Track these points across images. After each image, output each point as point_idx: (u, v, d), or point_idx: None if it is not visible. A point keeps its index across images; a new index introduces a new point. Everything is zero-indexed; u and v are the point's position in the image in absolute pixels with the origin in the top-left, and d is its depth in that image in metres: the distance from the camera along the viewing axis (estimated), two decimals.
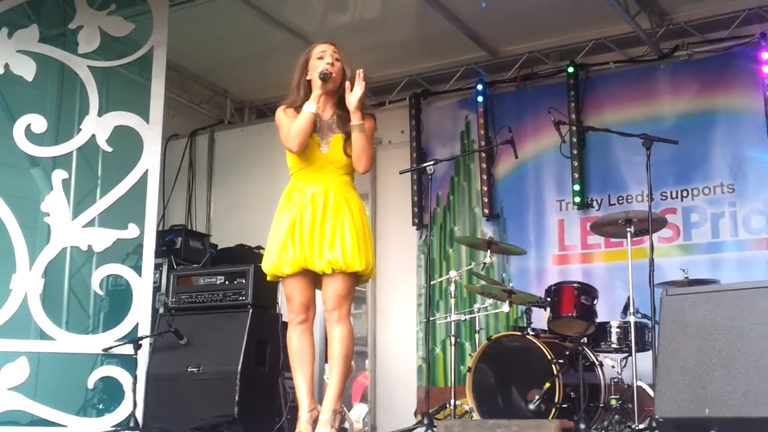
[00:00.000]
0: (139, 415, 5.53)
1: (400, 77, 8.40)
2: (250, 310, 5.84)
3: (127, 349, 5.65)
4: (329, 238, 4.36)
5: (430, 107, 8.36)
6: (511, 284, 6.37)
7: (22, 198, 6.34)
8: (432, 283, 6.79)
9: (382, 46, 7.90)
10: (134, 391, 5.48)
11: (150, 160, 6.16)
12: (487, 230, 7.76)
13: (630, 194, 7.28)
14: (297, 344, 4.49)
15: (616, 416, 5.36)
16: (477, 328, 6.45)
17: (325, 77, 4.44)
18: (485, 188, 7.81)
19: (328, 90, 4.52)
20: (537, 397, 5.33)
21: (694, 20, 7.27)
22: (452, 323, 6.18)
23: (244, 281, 5.98)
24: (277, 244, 4.42)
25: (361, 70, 4.44)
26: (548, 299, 6.03)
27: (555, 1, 7.16)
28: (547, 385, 5.34)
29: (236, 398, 5.49)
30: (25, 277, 5.83)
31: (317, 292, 4.55)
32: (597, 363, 5.78)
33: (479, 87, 7.96)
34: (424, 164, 5.74)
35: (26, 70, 6.22)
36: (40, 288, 5.85)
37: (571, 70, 7.57)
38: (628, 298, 5.43)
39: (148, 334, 5.82)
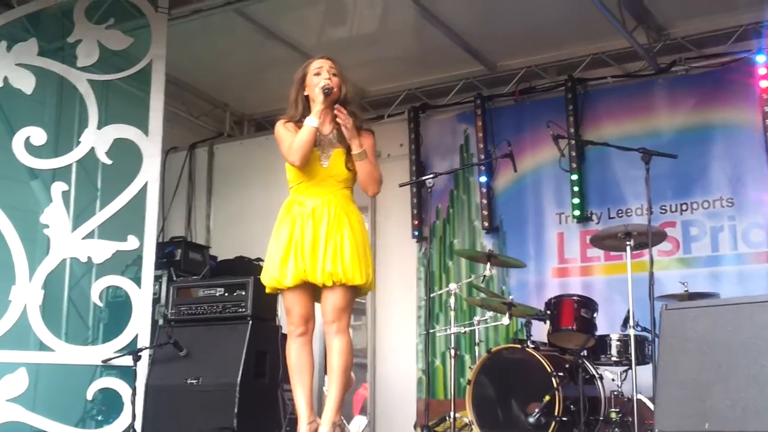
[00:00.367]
0: (138, 427, 5.52)
1: (398, 91, 8.44)
2: (250, 322, 5.85)
3: (127, 360, 5.64)
4: (332, 252, 4.36)
5: (429, 121, 8.39)
6: (510, 297, 6.37)
7: (22, 210, 6.34)
8: (432, 295, 6.80)
9: (381, 60, 7.94)
10: (133, 402, 5.48)
11: (149, 173, 6.16)
12: (486, 243, 7.77)
13: (629, 208, 7.30)
14: (296, 357, 4.48)
15: (616, 429, 5.37)
16: (477, 341, 6.45)
17: (328, 92, 4.45)
18: (485, 201, 7.82)
19: (328, 104, 4.53)
20: (537, 410, 5.34)
21: (691, 35, 7.30)
22: (452, 336, 6.18)
23: (243, 293, 5.98)
24: (278, 257, 4.42)
25: (339, 112, 4.45)
26: (548, 312, 6.04)
27: (553, 16, 7.18)
28: (547, 398, 5.35)
29: (235, 410, 5.48)
30: (24, 288, 5.83)
31: (317, 304, 4.55)
32: (597, 376, 5.77)
33: (478, 101, 7.99)
34: (424, 177, 5.75)
35: (25, 83, 6.24)
36: (39, 299, 5.84)
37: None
38: (628, 312, 5.45)
39: (148, 345, 5.81)
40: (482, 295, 6.53)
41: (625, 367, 5.79)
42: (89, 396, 5.82)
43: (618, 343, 5.88)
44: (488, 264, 6.23)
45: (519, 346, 5.79)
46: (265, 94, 8.61)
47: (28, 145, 6.11)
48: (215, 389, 5.62)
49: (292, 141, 4.44)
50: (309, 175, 4.50)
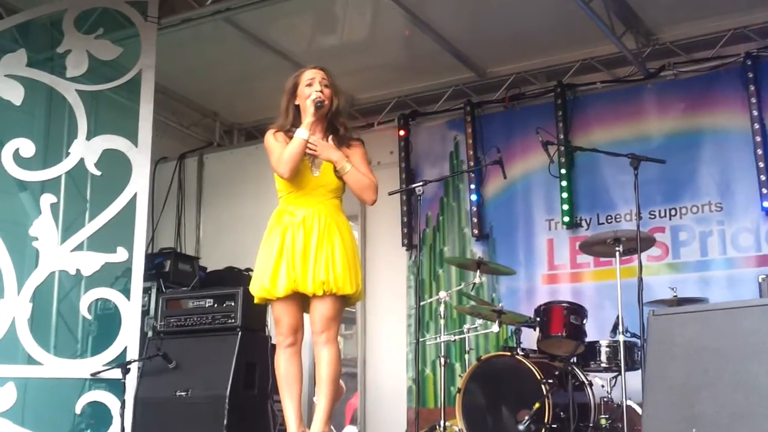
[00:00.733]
0: None
1: (388, 98, 8.45)
2: (239, 333, 5.82)
3: (116, 373, 5.63)
4: (323, 261, 4.36)
5: (418, 128, 8.39)
6: (500, 304, 6.37)
7: (10, 222, 6.33)
8: (422, 303, 6.77)
9: (371, 67, 7.94)
10: (122, 415, 5.46)
11: (139, 184, 6.15)
12: (476, 250, 7.78)
13: (619, 213, 7.30)
14: (285, 367, 4.48)
15: None
16: (467, 349, 6.43)
17: (320, 105, 4.45)
18: (474, 208, 7.82)
19: (319, 116, 4.52)
20: (527, 417, 5.33)
21: (680, 40, 7.32)
22: (442, 344, 6.18)
23: (233, 304, 5.97)
24: (268, 267, 4.42)
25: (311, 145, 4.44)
26: (537, 319, 6.03)
27: (542, 22, 7.20)
28: (537, 405, 5.35)
29: (225, 422, 5.45)
30: (12, 301, 5.81)
31: (305, 315, 4.54)
32: (586, 382, 5.78)
33: (467, 108, 8.00)
34: (414, 185, 5.73)
35: (14, 94, 6.23)
36: (28, 312, 5.82)
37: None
38: (618, 317, 5.45)
39: (137, 358, 5.79)
40: (472, 302, 6.53)
41: (615, 373, 5.78)
42: (78, 409, 5.80)
43: (607, 349, 5.88)
44: (478, 271, 6.23)
45: (509, 353, 5.79)
46: (255, 103, 8.62)
47: (17, 157, 6.09)
48: (205, 401, 5.59)
49: (282, 152, 4.44)
50: (299, 184, 4.50)
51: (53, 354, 6.01)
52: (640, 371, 5.44)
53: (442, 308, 6.23)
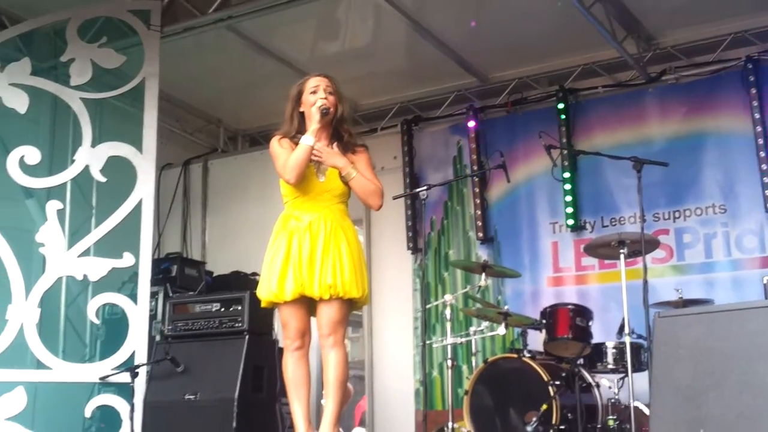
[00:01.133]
0: None
1: (391, 104, 8.49)
2: (247, 337, 5.82)
3: (124, 377, 5.63)
4: (330, 265, 4.38)
5: (422, 133, 8.43)
6: (506, 307, 6.39)
7: (17, 229, 6.34)
8: (428, 306, 6.82)
9: (373, 74, 7.98)
10: (132, 419, 5.46)
11: (144, 190, 6.16)
12: (481, 253, 7.80)
13: (623, 216, 7.34)
14: (293, 371, 4.49)
15: None
16: (473, 351, 6.48)
17: (325, 113, 4.48)
18: (479, 212, 7.85)
19: (324, 123, 4.55)
20: (534, 418, 5.35)
21: (681, 44, 7.36)
22: (448, 346, 6.19)
23: (240, 308, 5.97)
24: (275, 271, 4.43)
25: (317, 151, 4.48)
26: (544, 321, 6.06)
27: (543, 27, 7.23)
28: (544, 406, 5.36)
29: (233, 425, 5.45)
30: (21, 307, 5.82)
31: (312, 318, 4.57)
32: (594, 384, 5.79)
33: (470, 113, 8.03)
34: (418, 189, 5.77)
35: (19, 102, 6.22)
36: (36, 318, 5.82)
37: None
38: (623, 319, 5.47)
39: (145, 362, 5.80)
40: (478, 305, 6.55)
41: (622, 375, 5.81)
42: (87, 413, 5.80)
43: (614, 350, 5.90)
44: (483, 274, 6.26)
45: (515, 355, 5.81)
46: (258, 110, 8.65)
47: (23, 165, 6.09)
48: (213, 404, 5.59)
49: (287, 159, 4.46)
50: (305, 189, 4.52)
51: (62, 358, 6.02)
52: (646, 372, 5.46)
53: (448, 311, 6.24)
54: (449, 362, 6.13)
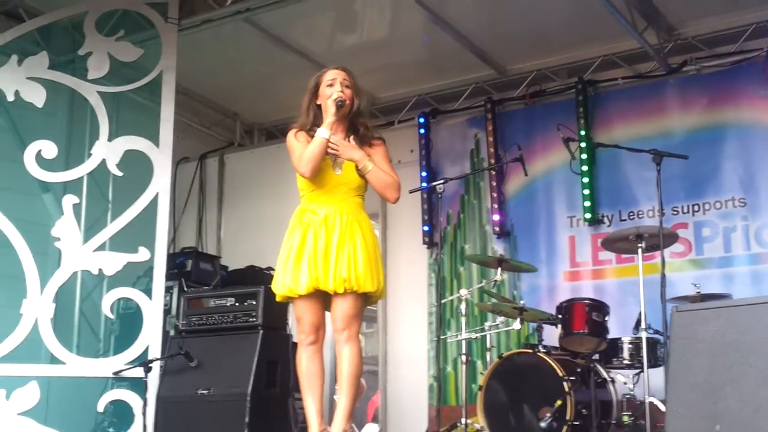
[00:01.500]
0: None
1: (408, 97, 8.44)
2: (261, 332, 5.84)
3: (138, 372, 5.65)
4: (345, 259, 4.37)
5: (439, 126, 8.38)
6: (522, 301, 6.35)
7: (33, 223, 6.37)
8: (443, 301, 6.79)
9: (391, 66, 7.94)
10: (145, 414, 5.48)
11: (160, 184, 6.18)
12: (497, 248, 7.76)
13: (641, 210, 7.26)
14: (307, 365, 4.49)
15: None
16: (488, 346, 6.45)
17: (340, 105, 4.46)
18: (495, 206, 7.80)
19: (340, 116, 4.53)
20: (549, 414, 5.31)
21: (702, 35, 7.26)
22: (463, 341, 6.17)
23: (254, 302, 5.98)
24: (290, 265, 4.43)
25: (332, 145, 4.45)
26: (559, 316, 6.02)
27: (562, 18, 7.17)
28: (559, 402, 5.33)
29: (247, 420, 5.46)
30: (35, 301, 5.86)
31: (327, 313, 4.55)
32: (609, 379, 5.75)
33: (488, 106, 7.98)
34: (434, 183, 5.74)
35: (36, 96, 6.27)
36: (50, 312, 5.86)
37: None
38: (640, 314, 5.42)
39: (159, 356, 5.82)
40: (493, 300, 6.51)
41: (638, 370, 5.75)
42: (100, 408, 5.83)
43: (630, 346, 5.85)
44: (499, 269, 6.22)
45: (530, 350, 5.77)
46: (275, 103, 8.64)
47: (40, 159, 6.13)
48: (226, 399, 5.60)
49: (303, 152, 4.45)
50: (321, 182, 4.51)
51: (76, 353, 6.06)
52: (662, 368, 5.41)
53: (463, 306, 6.22)
54: (464, 357, 6.12)
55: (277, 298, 4.57)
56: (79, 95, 6.45)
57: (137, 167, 6.28)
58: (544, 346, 5.83)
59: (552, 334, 6.13)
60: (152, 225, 6.11)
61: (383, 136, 4.76)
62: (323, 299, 4.47)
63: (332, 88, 4.53)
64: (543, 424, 5.27)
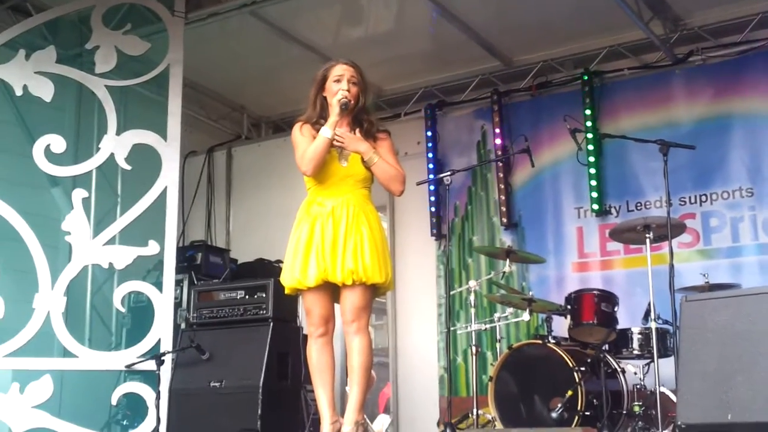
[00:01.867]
0: (163, 430, 5.54)
1: (415, 89, 8.44)
2: (271, 324, 5.86)
3: (150, 365, 5.68)
4: (351, 250, 4.36)
5: (445, 118, 8.38)
6: (530, 293, 6.36)
7: (43, 217, 6.40)
8: (452, 293, 6.79)
9: (397, 58, 7.94)
10: (157, 406, 5.51)
11: (169, 177, 6.19)
12: (505, 239, 7.77)
13: (648, 200, 7.26)
14: (317, 357, 4.49)
15: (640, 423, 5.35)
16: (497, 338, 6.46)
17: (345, 108, 4.46)
18: (503, 197, 7.81)
19: (344, 114, 4.54)
20: (559, 404, 5.33)
21: (708, 25, 7.26)
22: (473, 333, 6.19)
23: (264, 295, 6.01)
24: (298, 258, 4.42)
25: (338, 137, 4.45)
26: (568, 307, 6.02)
27: (568, 9, 7.17)
28: (570, 392, 5.34)
29: (259, 412, 5.50)
30: (47, 295, 5.88)
31: (336, 305, 4.56)
32: (619, 370, 5.76)
33: (494, 97, 7.99)
34: (441, 175, 5.74)
35: (44, 90, 6.27)
36: (62, 306, 5.88)
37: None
38: (649, 304, 5.42)
39: (170, 349, 5.84)
40: (502, 291, 6.52)
41: (647, 360, 5.76)
42: (114, 401, 5.88)
43: (639, 336, 5.86)
44: (507, 260, 6.22)
45: (540, 341, 5.78)
46: (282, 96, 8.65)
47: (48, 153, 6.14)
48: (238, 391, 5.64)
49: (306, 149, 4.45)
50: (327, 175, 4.50)
51: (88, 346, 6.10)
52: (672, 358, 5.40)
53: (472, 297, 6.23)
54: (473, 349, 6.12)
55: (287, 291, 4.56)
56: (87, 89, 6.46)
57: (146, 161, 6.29)
58: (554, 337, 5.84)
59: (561, 325, 6.14)
60: (161, 218, 6.13)
61: (389, 128, 4.75)
62: (332, 291, 4.47)
63: (339, 85, 4.50)
64: (554, 415, 5.29)
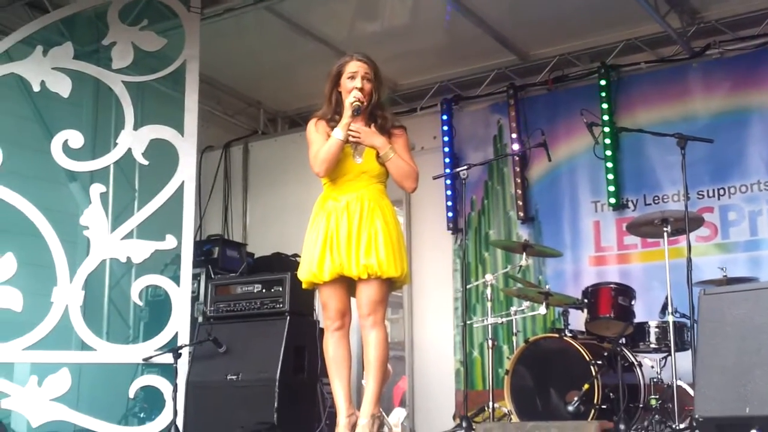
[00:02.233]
0: (180, 423, 5.55)
1: (431, 83, 8.44)
2: (288, 318, 5.88)
3: (167, 358, 5.68)
4: (365, 245, 4.37)
5: (461, 112, 8.37)
6: (547, 286, 6.36)
7: (62, 212, 6.44)
8: (468, 287, 6.79)
9: (412, 53, 7.94)
10: (175, 399, 5.51)
11: (186, 172, 6.21)
12: (522, 233, 7.75)
13: (666, 194, 7.24)
14: (334, 351, 4.51)
15: (656, 416, 5.33)
16: (514, 331, 6.45)
17: (357, 112, 4.45)
18: (519, 191, 7.80)
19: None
20: (576, 398, 5.33)
21: (725, 18, 7.22)
22: (489, 326, 6.20)
23: (281, 289, 6.03)
24: (314, 252, 4.44)
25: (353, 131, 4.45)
26: (585, 301, 6.01)
27: (584, 2, 7.14)
28: (586, 386, 5.34)
29: (275, 405, 5.52)
30: (65, 289, 5.91)
31: (352, 299, 4.57)
32: (636, 363, 5.75)
33: (511, 92, 7.97)
34: (458, 169, 5.75)
35: (62, 86, 6.29)
36: (80, 300, 5.91)
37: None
38: (666, 298, 5.40)
39: (188, 343, 5.86)
40: (519, 285, 6.52)
41: (664, 354, 5.76)
42: (131, 394, 5.89)
43: (656, 330, 5.86)
44: (524, 254, 6.22)
45: (557, 335, 5.78)
46: (297, 91, 8.66)
47: (66, 148, 6.15)
48: (255, 385, 5.66)
49: (318, 150, 4.46)
50: (342, 171, 4.51)
51: (106, 340, 6.13)
52: (689, 352, 5.39)
53: (488, 291, 6.24)
54: (490, 342, 6.13)
55: (304, 285, 4.59)
56: (104, 85, 6.47)
57: (163, 156, 6.31)
58: (571, 331, 5.84)
59: (578, 319, 6.14)
60: (179, 213, 6.14)
61: (405, 123, 4.76)
62: (348, 285, 4.49)
63: (353, 82, 4.50)
64: (570, 408, 5.29)
